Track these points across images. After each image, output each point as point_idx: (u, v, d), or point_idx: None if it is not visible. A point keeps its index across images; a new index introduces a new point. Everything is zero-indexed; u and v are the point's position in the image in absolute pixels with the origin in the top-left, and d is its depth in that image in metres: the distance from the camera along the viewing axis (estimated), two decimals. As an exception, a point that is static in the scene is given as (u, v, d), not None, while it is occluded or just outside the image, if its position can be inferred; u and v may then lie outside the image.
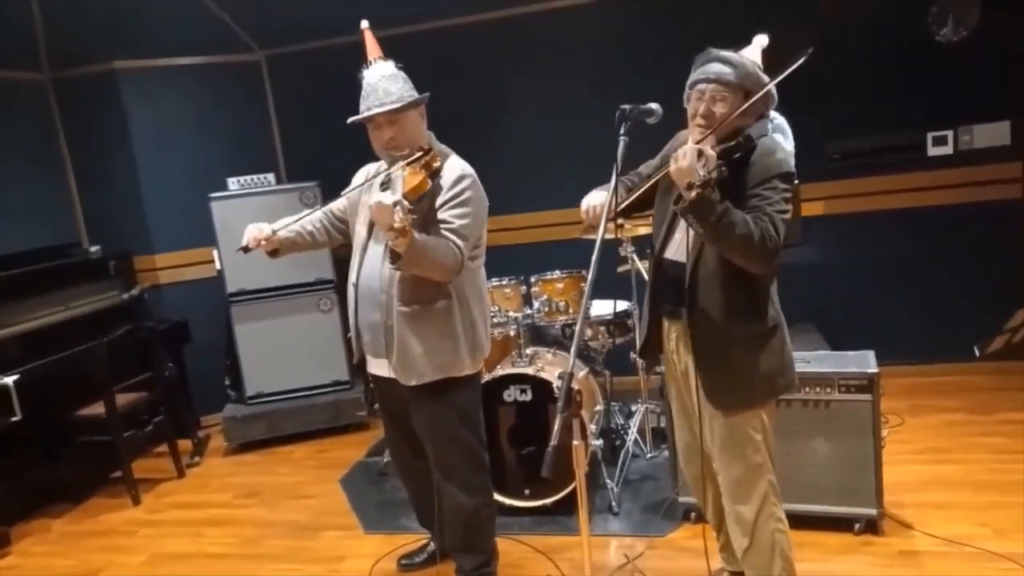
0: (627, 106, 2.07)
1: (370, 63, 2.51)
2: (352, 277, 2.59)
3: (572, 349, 1.87)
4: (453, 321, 2.50)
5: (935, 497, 3.16)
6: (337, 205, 2.71)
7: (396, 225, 2.12)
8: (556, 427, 1.79)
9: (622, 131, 2.03)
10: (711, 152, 1.95)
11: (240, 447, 4.64)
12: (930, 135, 4.34)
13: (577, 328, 1.90)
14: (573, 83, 4.74)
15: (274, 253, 2.65)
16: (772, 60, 2.12)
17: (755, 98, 2.06)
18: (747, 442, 2.21)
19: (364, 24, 2.59)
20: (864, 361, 2.99)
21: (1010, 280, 4.36)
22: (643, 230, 3.68)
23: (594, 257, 1.91)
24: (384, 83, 2.44)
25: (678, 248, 2.22)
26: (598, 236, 1.96)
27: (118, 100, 4.81)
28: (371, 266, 2.53)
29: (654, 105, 2.12)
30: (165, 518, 3.87)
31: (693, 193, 1.91)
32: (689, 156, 1.92)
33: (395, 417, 2.71)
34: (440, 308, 2.47)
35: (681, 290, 2.17)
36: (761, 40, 2.24)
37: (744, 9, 4.28)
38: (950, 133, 4.32)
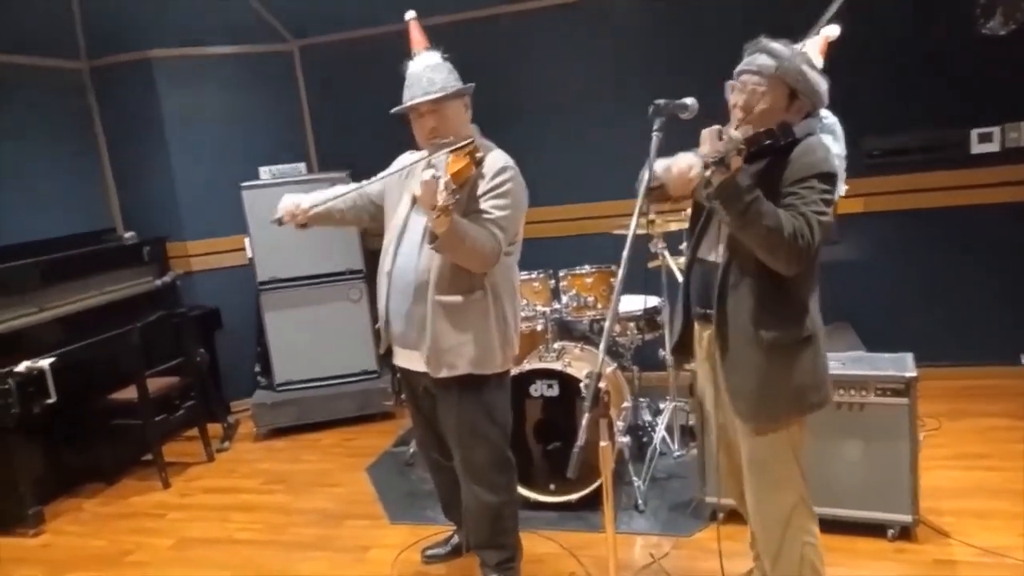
0: (661, 101, 2.00)
1: (414, 54, 2.49)
2: (386, 266, 2.57)
3: (601, 346, 1.83)
4: (487, 315, 2.47)
5: (973, 505, 3.07)
6: (372, 188, 2.69)
7: (440, 203, 2.10)
8: (583, 426, 1.76)
9: (656, 127, 1.96)
10: (735, 133, 1.89)
11: (269, 433, 4.68)
12: (975, 132, 4.21)
13: (607, 325, 1.86)
14: (609, 74, 4.68)
15: (303, 227, 2.65)
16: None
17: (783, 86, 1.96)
18: (775, 459, 2.12)
19: (411, 15, 2.55)
20: (902, 364, 2.91)
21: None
22: (674, 226, 3.63)
23: (625, 252, 1.85)
24: (428, 72, 2.41)
25: (711, 247, 2.15)
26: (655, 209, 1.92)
27: (153, 89, 4.86)
28: (407, 256, 2.50)
29: (689, 100, 2.04)
30: (194, 502, 3.92)
31: (709, 171, 1.86)
32: (709, 134, 1.88)
33: (421, 411, 2.70)
34: (476, 300, 2.45)
35: (711, 291, 2.11)
36: (830, 31, 2.16)
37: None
38: (997, 130, 4.18)
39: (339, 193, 2.68)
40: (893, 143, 4.29)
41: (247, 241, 4.67)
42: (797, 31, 2.14)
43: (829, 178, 1.98)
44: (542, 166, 4.65)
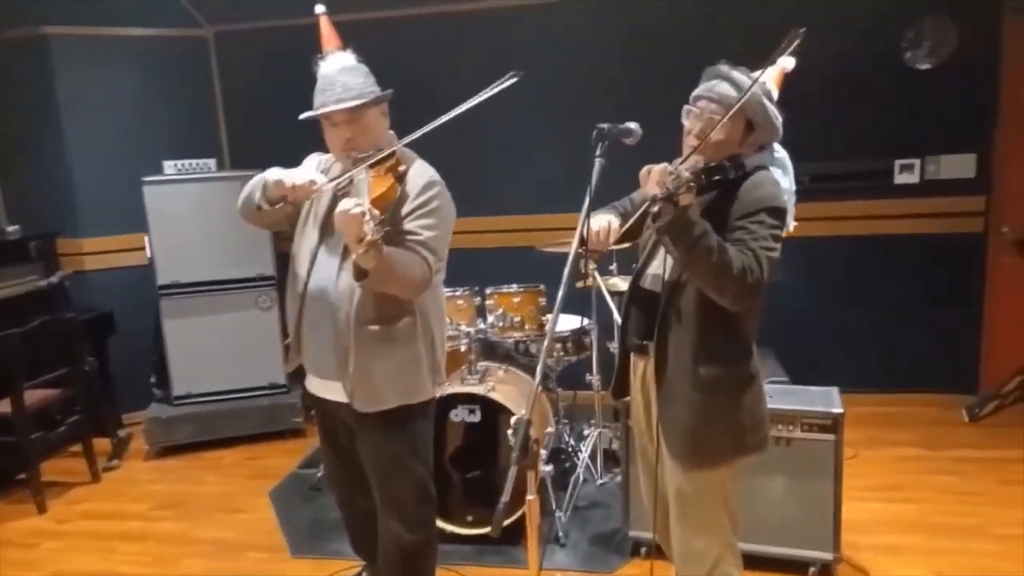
0: (604, 125, 1.88)
1: (325, 54, 2.25)
2: (298, 286, 2.31)
3: (533, 387, 1.67)
4: (416, 341, 2.27)
5: (890, 540, 3.08)
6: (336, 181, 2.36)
7: (368, 238, 1.87)
8: (509, 481, 1.59)
9: (598, 152, 1.84)
10: (684, 173, 1.79)
11: (163, 451, 4.33)
12: (898, 162, 4.28)
13: (540, 361, 1.72)
14: (546, 86, 4.54)
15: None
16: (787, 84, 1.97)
17: (736, 107, 1.87)
18: (704, 500, 2.04)
19: (320, 8, 2.33)
20: (829, 399, 2.88)
21: (969, 314, 4.35)
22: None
23: (560, 292, 1.74)
24: (343, 76, 2.17)
25: (654, 278, 2.05)
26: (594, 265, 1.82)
27: (48, 68, 4.42)
28: (324, 277, 2.26)
29: (633, 125, 1.93)
30: (73, 529, 3.55)
31: (656, 207, 1.77)
32: (657, 169, 1.78)
33: (336, 443, 2.47)
34: (404, 327, 2.24)
35: (651, 323, 2.01)
36: (786, 63, 2.08)
37: (735, 23, 4.14)
38: (917, 162, 4.27)
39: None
40: (821, 170, 4.31)
41: (147, 240, 4.31)
42: (754, 60, 2.05)
43: (778, 213, 1.91)
44: (468, 174, 4.48)
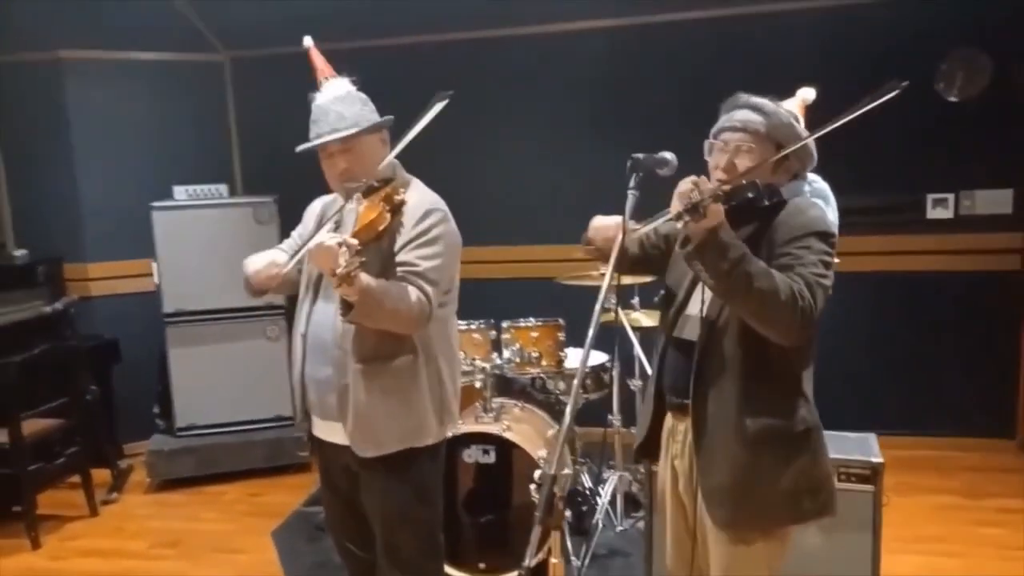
0: (640, 155, 1.74)
1: (320, 84, 2.16)
2: (300, 327, 2.20)
3: (559, 441, 1.51)
4: (419, 380, 2.12)
5: (935, 598, 2.87)
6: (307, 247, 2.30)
7: (340, 271, 1.75)
8: (532, 544, 1.43)
9: (632, 184, 1.70)
10: (708, 184, 1.62)
11: (164, 484, 4.18)
12: (930, 197, 4.13)
13: (568, 409, 1.57)
14: (568, 113, 4.45)
15: (262, 294, 2.23)
16: (814, 116, 1.83)
17: (786, 151, 1.74)
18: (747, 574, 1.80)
19: (307, 41, 2.23)
20: (866, 447, 2.71)
21: (1004, 353, 4.16)
22: (627, 279, 3.37)
23: (591, 330, 1.59)
24: (337, 106, 2.08)
25: (692, 326, 1.82)
26: (608, 266, 1.67)
27: (61, 92, 4.40)
28: (323, 314, 2.14)
29: (668, 155, 1.80)
30: (67, 568, 3.39)
31: (682, 223, 1.58)
32: (683, 183, 1.60)
33: (338, 491, 2.31)
34: (403, 365, 2.10)
35: (688, 376, 1.79)
36: (806, 94, 1.95)
37: (773, 58, 4.01)
38: (951, 196, 4.11)
39: (295, 249, 2.23)
40: (850, 203, 4.14)
41: (154, 266, 4.20)
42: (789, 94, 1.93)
43: (828, 237, 1.72)
44: (486, 202, 4.41)
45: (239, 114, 4.89)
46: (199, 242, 4.14)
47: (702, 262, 1.61)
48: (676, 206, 1.60)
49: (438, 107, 1.92)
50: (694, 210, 1.56)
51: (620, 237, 1.71)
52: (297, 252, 2.17)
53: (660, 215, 1.80)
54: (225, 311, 4.23)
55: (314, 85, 2.22)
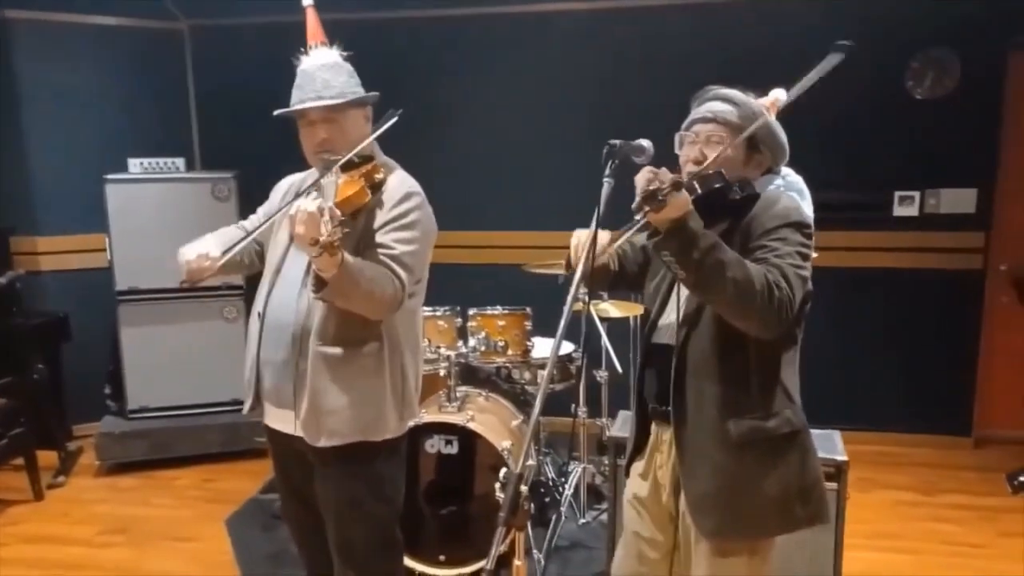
0: (616, 142, 1.66)
1: (310, 48, 2.06)
2: (258, 305, 2.10)
3: (526, 438, 1.46)
4: (382, 371, 2.04)
5: (890, 595, 2.91)
6: (259, 230, 2.16)
7: (323, 239, 1.66)
8: (495, 546, 1.37)
9: (607, 172, 1.62)
10: (667, 174, 1.55)
11: (115, 468, 4.04)
12: (897, 194, 4.15)
13: (536, 409, 1.51)
14: (542, 94, 4.36)
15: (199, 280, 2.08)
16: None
17: (748, 131, 1.67)
18: None
19: (308, 0, 2.13)
20: (831, 444, 2.70)
21: (963, 351, 4.22)
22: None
23: (568, 300, 1.52)
24: (324, 73, 2.00)
25: (669, 330, 1.76)
26: (577, 273, 1.58)
27: (7, 55, 4.18)
28: (285, 293, 2.05)
29: (645, 142, 1.72)
30: (9, 555, 3.25)
31: (641, 214, 1.51)
32: (642, 174, 1.54)
33: (292, 480, 2.23)
34: (369, 353, 2.02)
35: (667, 381, 1.72)
36: (778, 94, 1.90)
37: (747, 47, 3.97)
38: (917, 195, 4.14)
39: (239, 237, 2.12)
40: (818, 198, 4.13)
41: (107, 242, 4.04)
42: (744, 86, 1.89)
43: (803, 228, 1.66)
44: (455, 186, 4.30)
45: (199, 85, 4.71)
46: (154, 217, 3.98)
47: (672, 253, 1.54)
48: (645, 187, 1.52)
49: (390, 123, 1.96)
50: (652, 198, 1.48)
51: (592, 230, 1.63)
52: (250, 234, 2.08)
53: (633, 224, 1.76)
54: (180, 290, 4.01)
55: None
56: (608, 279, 1.95)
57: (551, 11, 4.33)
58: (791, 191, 1.84)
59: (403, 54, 4.40)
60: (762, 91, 1.88)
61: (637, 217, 1.56)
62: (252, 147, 4.02)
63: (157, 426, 4.08)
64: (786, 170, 1.88)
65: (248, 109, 4.50)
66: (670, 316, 1.77)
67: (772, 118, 1.82)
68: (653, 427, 1.85)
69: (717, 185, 1.63)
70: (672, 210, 1.51)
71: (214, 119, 4.70)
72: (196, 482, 3.95)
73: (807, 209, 1.82)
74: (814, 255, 1.74)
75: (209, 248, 2.03)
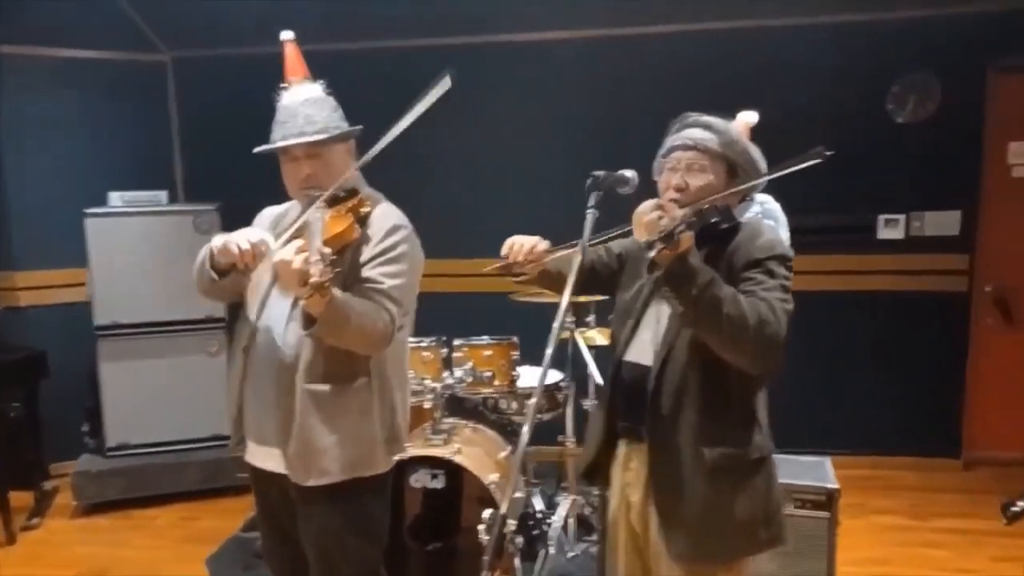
0: (600, 172, 1.70)
1: (290, 83, 2.05)
2: (242, 340, 2.05)
3: (509, 488, 1.42)
4: (371, 407, 2.00)
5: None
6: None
7: (313, 280, 1.62)
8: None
9: (592, 202, 1.65)
10: (678, 211, 1.59)
11: (92, 507, 3.94)
12: (882, 217, 4.17)
13: (522, 442, 1.48)
14: (528, 123, 4.36)
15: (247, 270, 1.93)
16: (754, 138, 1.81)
17: (747, 185, 1.74)
18: None
19: (287, 35, 2.11)
20: (821, 472, 2.69)
21: (950, 373, 4.21)
22: (583, 297, 3.30)
23: (554, 328, 1.56)
24: (306, 108, 1.98)
25: (644, 349, 1.78)
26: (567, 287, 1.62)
27: (-9, 88, 4.14)
28: (271, 329, 2.00)
29: (629, 173, 1.75)
30: (-21, 601, 3.16)
31: (653, 252, 1.53)
32: (646, 208, 1.57)
33: (275, 519, 2.16)
34: (358, 390, 1.98)
35: (643, 403, 1.73)
36: (748, 117, 1.92)
37: (732, 73, 4.01)
38: (902, 217, 4.15)
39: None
40: (803, 223, 4.14)
41: (87, 276, 3.98)
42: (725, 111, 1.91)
43: (787, 261, 1.70)
44: (439, 213, 4.26)
45: (182, 118, 4.69)
46: (135, 251, 3.94)
47: (671, 288, 1.58)
48: (642, 233, 1.57)
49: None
50: (669, 237, 1.51)
51: (578, 259, 1.66)
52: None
53: (606, 233, 1.78)
54: (162, 324, 4.03)
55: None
56: (556, 285, 1.93)
57: (537, 40, 4.35)
58: (768, 219, 1.85)
59: (388, 85, 4.38)
60: (729, 116, 1.89)
61: (650, 254, 1.57)
62: (237, 179, 3.96)
63: (136, 464, 4.00)
64: (763, 197, 1.90)
65: (232, 141, 4.47)
66: (645, 335, 1.79)
67: (750, 144, 1.83)
68: (621, 444, 1.86)
69: (715, 220, 1.67)
70: (680, 246, 1.54)
71: (197, 152, 4.67)
72: (175, 521, 3.86)
73: (783, 233, 1.83)
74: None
75: (262, 235, 1.88)
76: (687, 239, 1.55)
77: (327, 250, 1.66)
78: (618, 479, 1.87)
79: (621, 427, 1.84)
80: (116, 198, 4.05)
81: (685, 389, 1.70)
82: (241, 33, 4.30)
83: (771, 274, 1.65)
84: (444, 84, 1.78)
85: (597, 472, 1.92)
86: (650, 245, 1.54)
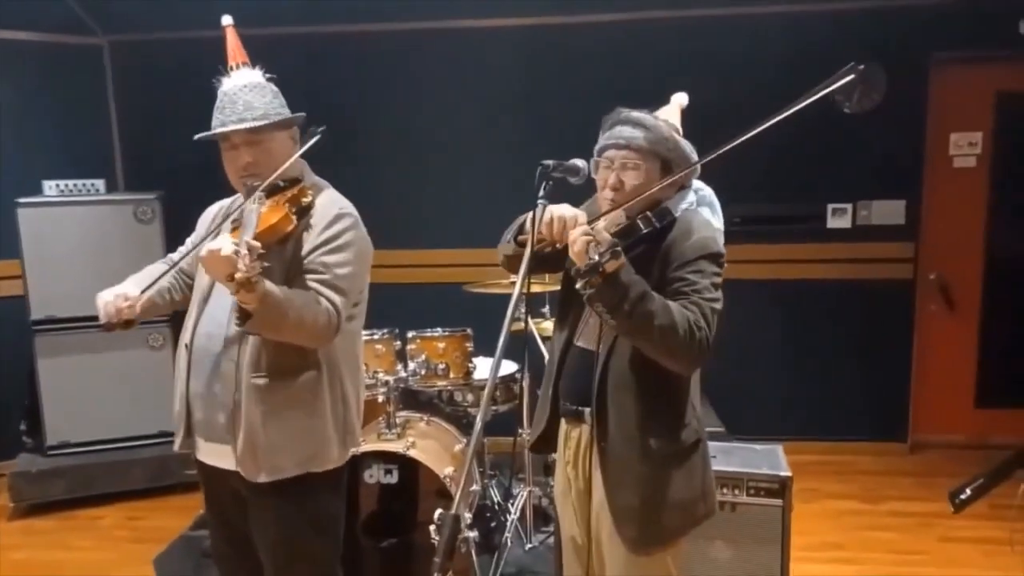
0: (549, 162, 1.69)
1: (231, 69, 1.99)
2: (186, 336, 1.99)
3: (457, 491, 1.38)
4: (322, 399, 1.96)
5: (835, 607, 2.91)
6: (186, 260, 2.10)
7: (239, 275, 1.58)
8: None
9: (541, 193, 1.66)
10: (605, 235, 1.64)
11: (32, 509, 3.79)
12: (830, 207, 4.23)
13: (474, 434, 1.45)
14: (477, 110, 4.30)
15: (129, 324, 1.95)
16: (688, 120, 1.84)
17: (677, 175, 1.77)
18: None
19: (227, 20, 2.04)
20: (774, 460, 2.71)
21: (897, 358, 4.31)
22: (537, 287, 3.27)
23: (507, 319, 1.54)
24: (246, 95, 1.93)
25: (592, 334, 1.82)
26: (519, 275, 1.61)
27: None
28: (213, 322, 1.95)
29: (579, 162, 1.76)
30: (-92, 612, 3.01)
31: (581, 283, 1.57)
32: (580, 239, 1.58)
33: (225, 518, 2.09)
34: (306, 383, 1.93)
35: (588, 388, 1.79)
36: (680, 99, 1.93)
37: (673, 60, 4.01)
38: (849, 207, 4.22)
39: (161, 272, 2.05)
40: (752, 212, 4.20)
41: (21, 269, 3.80)
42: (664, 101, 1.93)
43: (718, 259, 1.76)
44: (390, 203, 4.20)
45: (120, 104, 4.50)
46: (72, 242, 3.79)
47: (603, 305, 1.62)
48: (576, 260, 1.60)
49: (313, 141, 1.91)
50: (594, 270, 1.54)
51: (528, 249, 1.67)
52: (171, 268, 2.03)
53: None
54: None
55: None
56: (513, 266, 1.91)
57: (485, 27, 4.28)
58: (703, 205, 1.88)
59: (332, 70, 4.29)
60: (663, 101, 1.91)
61: (577, 286, 1.60)
62: (178, 167, 3.83)
63: (77, 463, 3.86)
64: (698, 184, 1.91)
65: (173, 127, 4.30)
66: (592, 319, 1.82)
67: (680, 137, 1.85)
68: (563, 423, 1.92)
69: (645, 230, 1.74)
70: (607, 271, 1.57)
71: (138, 139, 4.50)
72: (121, 521, 3.73)
73: (717, 223, 1.87)
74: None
75: (127, 288, 1.93)
76: (612, 266, 1.57)
77: (256, 243, 1.63)
78: (562, 461, 1.94)
79: (564, 408, 1.90)
80: (51, 187, 3.88)
81: (629, 377, 1.76)
82: (180, 17, 4.14)
83: (702, 273, 1.71)
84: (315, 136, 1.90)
85: (544, 445, 1.99)
86: (578, 274, 1.58)
